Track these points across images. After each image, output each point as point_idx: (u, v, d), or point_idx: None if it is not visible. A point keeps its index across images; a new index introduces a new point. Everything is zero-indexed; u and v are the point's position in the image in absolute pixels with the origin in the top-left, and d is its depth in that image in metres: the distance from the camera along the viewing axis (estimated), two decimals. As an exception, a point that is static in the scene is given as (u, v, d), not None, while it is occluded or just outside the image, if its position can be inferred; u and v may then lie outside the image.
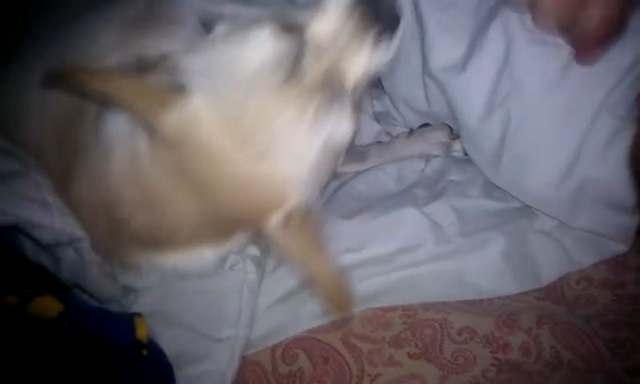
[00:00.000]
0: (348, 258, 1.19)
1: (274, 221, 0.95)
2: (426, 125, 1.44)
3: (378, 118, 1.51)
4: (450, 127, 1.40)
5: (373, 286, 1.16)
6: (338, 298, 0.97)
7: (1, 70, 1.12)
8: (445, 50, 1.23)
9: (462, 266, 1.18)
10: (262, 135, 0.88)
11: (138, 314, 1.03)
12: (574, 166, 1.14)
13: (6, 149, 1.03)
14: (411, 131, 1.45)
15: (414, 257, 1.19)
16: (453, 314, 1.13)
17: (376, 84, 1.51)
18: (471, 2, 1.21)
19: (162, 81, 0.89)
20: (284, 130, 0.89)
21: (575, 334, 1.10)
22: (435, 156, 1.42)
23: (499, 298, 1.16)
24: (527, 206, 1.25)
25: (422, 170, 1.40)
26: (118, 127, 0.96)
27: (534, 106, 1.15)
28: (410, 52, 1.31)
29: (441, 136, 1.41)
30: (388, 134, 1.50)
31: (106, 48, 1.06)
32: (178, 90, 0.89)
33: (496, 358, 1.08)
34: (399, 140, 1.45)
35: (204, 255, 1.05)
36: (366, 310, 1.14)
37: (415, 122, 1.45)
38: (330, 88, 0.91)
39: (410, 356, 1.09)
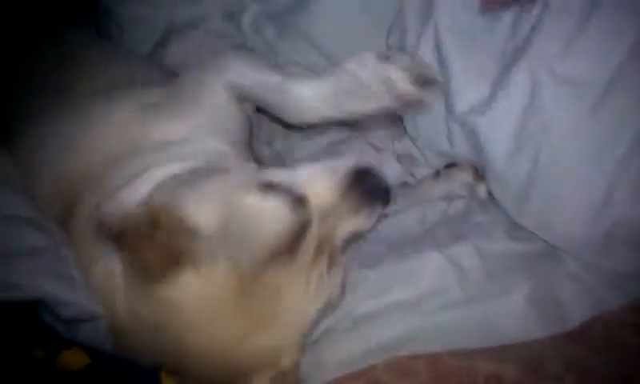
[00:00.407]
0: (371, 304, 1.18)
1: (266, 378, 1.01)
2: (450, 165, 1.44)
3: (400, 159, 1.51)
4: (475, 168, 1.39)
5: (397, 333, 1.15)
6: None
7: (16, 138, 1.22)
8: (471, 93, 1.23)
9: (486, 311, 1.16)
10: (269, 305, 0.95)
11: (164, 369, 1.03)
12: (605, 206, 1.13)
13: (34, 220, 1.08)
14: (437, 173, 1.44)
15: (437, 302, 1.18)
16: (479, 360, 1.11)
17: (398, 125, 1.53)
18: (496, 46, 1.21)
19: (187, 245, 0.94)
20: (289, 300, 0.96)
21: (603, 380, 1.08)
22: (459, 196, 1.41)
23: (526, 342, 1.14)
24: (553, 247, 1.24)
25: (446, 211, 1.40)
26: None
27: (563, 146, 1.15)
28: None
29: (466, 177, 1.40)
30: (411, 174, 1.50)
31: (116, 130, 1.15)
32: (203, 257, 0.94)
33: (524, 406, 1.06)
34: (426, 182, 1.46)
35: None
36: (390, 357, 1.13)
37: (438, 163, 1.45)
38: (327, 253, 1.01)
39: (437, 405, 1.08)
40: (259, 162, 1.35)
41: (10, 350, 0.94)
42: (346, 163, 1.04)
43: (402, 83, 1.14)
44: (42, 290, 0.96)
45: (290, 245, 0.95)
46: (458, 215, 1.37)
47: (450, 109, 1.29)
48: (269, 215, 0.96)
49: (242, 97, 1.22)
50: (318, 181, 1.03)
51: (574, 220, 1.18)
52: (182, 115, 1.18)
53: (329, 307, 1.05)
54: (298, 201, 0.98)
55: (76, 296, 0.99)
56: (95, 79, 1.29)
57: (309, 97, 1.15)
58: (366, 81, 1.14)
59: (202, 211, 0.97)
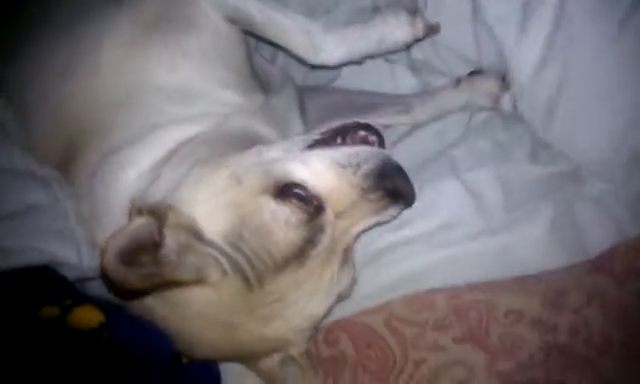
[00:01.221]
0: (388, 238, 1.14)
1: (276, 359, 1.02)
2: (474, 72, 1.34)
3: (416, 67, 1.41)
4: (501, 77, 1.28)
5: (414, 267, 1.12)
6: None
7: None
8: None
9: (507, 242, 1.12)
10: (276, 308, 0.94)
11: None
12: (630, 129, 1.08)
13: (32, 172, 1.04)
14: (458, 80, 1.35)
15: (456, 234, 1.13)
16: (499, 294, 1.09)
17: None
18: None
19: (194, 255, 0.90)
20: (297, 303, 0.95)
21: (626, 312, 1.06)
22: (481, 108, 1.33)
23: (546, 273, 1.10)
24: (575, 169, 1.18)
25: (466, 125, 1.32)
26: None
27: (588, 64, 1.10)
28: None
29: (490, 86, 1.29)
30: (427, 84, 1.41)
31: (114, 63, 1.08)
32: (210, 267, 0.91)
33: (544, 341, 1.05)
34: (445, 90, 1.36)
35: None
36: (408, 292, 1.10)
37: (460, 71, 1.35)
38: (340, 251, 0.98)
39: (455, 340, 1.07)
40: (266, 86, 1.27)
41: (20, 310, 0.91)
42: (371, 158, 0.98)
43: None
44: (43, 253, 0.94)
45: (301, 254, 0.92)
46: (478, 131, 1.29)
47: (477, 12, 1.21)
48: (282, 228, 0.92)
49: (234, 20, 1.17)
50: (339, 178, 0.97)
51: (599, 141, 1.13)
52: (185, 44, 1.11)
53: (339, 300, 1.03)
54: (315, 210, 0.94)
55: (80, 255, 0.96)
56: None
57: (332, 48, 1.18)
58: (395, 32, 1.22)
59: (212, 216, 0.93)
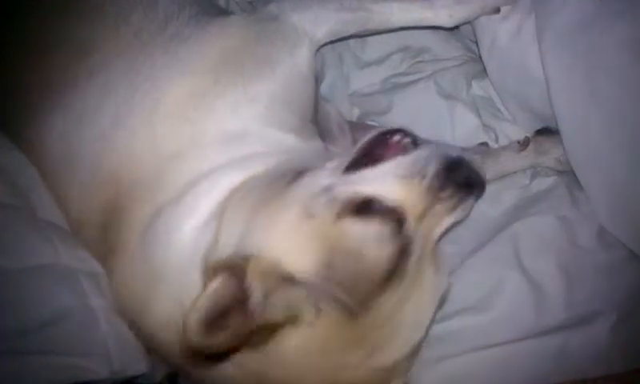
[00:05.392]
0: (437, 326, 1.01)
1: None
2: (543, 130, 1.22)
3: (476, 104, 1.29)
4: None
5: (459, 367, 1.03)
6: None
7: None
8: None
9: (564, 343, 1.03)
10: (384, 329, 0.86)
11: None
12: None
13: (60, 263, 0.95)
14: (526, 141, 1.22)
15: (510, 331, 1.04)
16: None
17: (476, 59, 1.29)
18: None
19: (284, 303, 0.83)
20: (404, 315, 0.87)
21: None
22: (546, 173, 1.21)
23: (603, 379, 1.03)
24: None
25: (525, 190, 1.20)
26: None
27: None
28: (527, 49, 1.13)
29: (560, 152, 1.18)
30: (489, 128, 1.28)
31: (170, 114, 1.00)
32: (304, 309, 0.82)
33: None
34: (509, 151, 1.25)
35: None
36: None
37: (525, 121, 1.24)
38: (429, 255, 0.90)
39: None
40: (322, 128, 1.16)
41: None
42: (432, 159, 0.92)
43: None
44: (73, 369, 0.86)
45: (398, 268, 0.85)
46: (541, 201, 1.17)
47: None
48: (375, 245, 0.84)
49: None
50: (409, 187, 0.90)
51: None
52: (253, 90, 1.03)
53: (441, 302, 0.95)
54: (399, 220, 0.87)
55: (110, 364, 0.89)
56: (115, 30, 1.06)
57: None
58: None
59: (295, 255, 0.84)
